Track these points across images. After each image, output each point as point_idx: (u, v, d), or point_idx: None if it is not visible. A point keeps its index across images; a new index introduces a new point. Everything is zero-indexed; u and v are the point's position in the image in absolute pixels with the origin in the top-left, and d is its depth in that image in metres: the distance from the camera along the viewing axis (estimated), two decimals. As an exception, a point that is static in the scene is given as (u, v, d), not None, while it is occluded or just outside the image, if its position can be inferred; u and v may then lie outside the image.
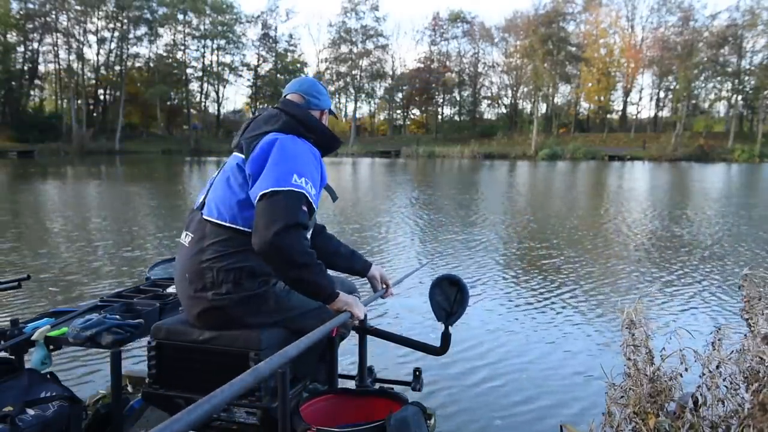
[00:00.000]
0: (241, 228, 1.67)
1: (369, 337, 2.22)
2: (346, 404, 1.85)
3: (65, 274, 5.77)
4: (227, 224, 1.68)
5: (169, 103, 57.96)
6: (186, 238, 1.76)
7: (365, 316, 1.88)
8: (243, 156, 1.74)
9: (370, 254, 6.74)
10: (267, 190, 1.58)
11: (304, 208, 1.60)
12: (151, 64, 56.05)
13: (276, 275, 1.69)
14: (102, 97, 57.57)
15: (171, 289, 2.30)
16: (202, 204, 1.76)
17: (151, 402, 1.86)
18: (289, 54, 61.31)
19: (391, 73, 63.11)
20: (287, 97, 1.91)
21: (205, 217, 1.72)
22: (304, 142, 1.76)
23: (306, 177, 1.63)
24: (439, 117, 64.23)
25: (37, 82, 55.03)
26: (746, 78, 51.66)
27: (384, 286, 2.13)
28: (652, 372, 1.94)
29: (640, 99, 73.59)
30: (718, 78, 53.41)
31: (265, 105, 2.12)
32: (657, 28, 56.14)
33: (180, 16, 56.00)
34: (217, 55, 59.40)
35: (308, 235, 1.66)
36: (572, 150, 45.59)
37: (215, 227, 1.69)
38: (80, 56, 52.35)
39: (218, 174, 1.81)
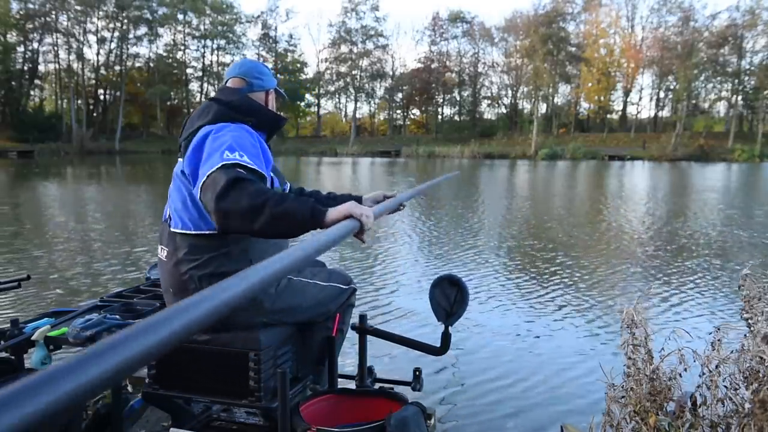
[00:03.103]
0: (207, 232, 1.62)
1: (369, 337, 2.22)
2: (346, 404, 1.86)
3: (65, 274, 5.77)
4: (193, 232, 1.64)
5: (169, 103, 58.03)
6: (162, 252, 1.72)
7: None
8: (181, 159, 1.69)
9: (372, 255, 6.75)
10: (203, 179, 1.48)
11: (241, 170, 1.46)
12: (151, 64, 56.11)
13: (255, 234, 1.49)
14: (102, 97, 57.64)
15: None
16: (170, 215, 1.71)
17: (151, 402, 1.86)
18: (289, 54, 61.39)
19: (391, 73, 63.22)
20: (227, 83, 1.84)
21: (172, 229, 1.68)
22: (240, 126, 1.66)
23: (239, 151, 1.51)
24: (439, 117, 64.23)
25: (37, 82, 55.20)
26: (746, 78, 51.70)
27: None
28: (652, 371, 1.94)
29: (640, 99, 73.95)
30: (718, 78, 53.45)
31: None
32: (657, 28, 56.20)
33: (180, 16, 56.13)
34: (217, 55, 59.62)
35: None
36: (572, 150, 45.57)
37: (184, 237, 1.65)
38: (80, 56, 52.50)
39: (171, 183, 1.75)
